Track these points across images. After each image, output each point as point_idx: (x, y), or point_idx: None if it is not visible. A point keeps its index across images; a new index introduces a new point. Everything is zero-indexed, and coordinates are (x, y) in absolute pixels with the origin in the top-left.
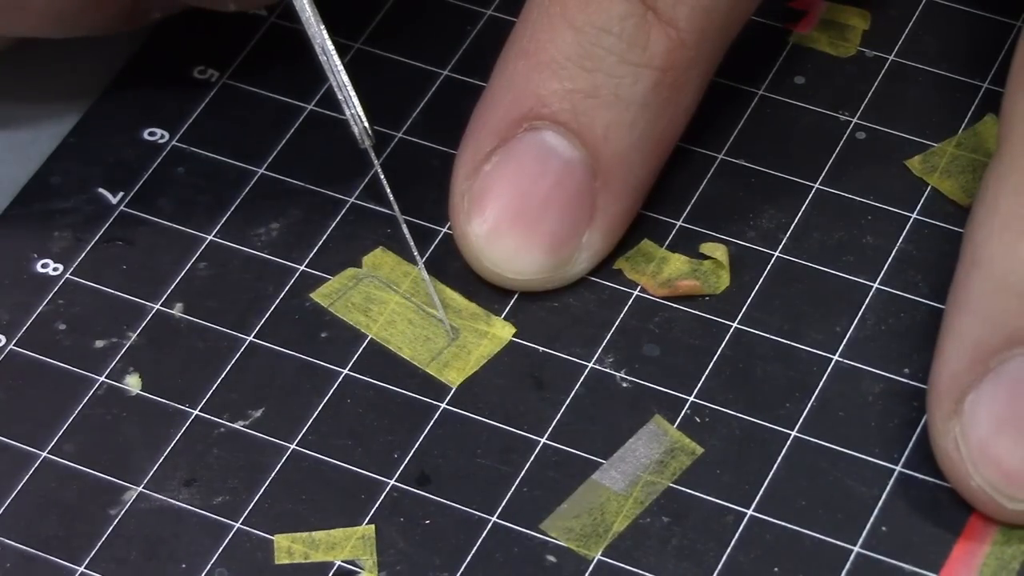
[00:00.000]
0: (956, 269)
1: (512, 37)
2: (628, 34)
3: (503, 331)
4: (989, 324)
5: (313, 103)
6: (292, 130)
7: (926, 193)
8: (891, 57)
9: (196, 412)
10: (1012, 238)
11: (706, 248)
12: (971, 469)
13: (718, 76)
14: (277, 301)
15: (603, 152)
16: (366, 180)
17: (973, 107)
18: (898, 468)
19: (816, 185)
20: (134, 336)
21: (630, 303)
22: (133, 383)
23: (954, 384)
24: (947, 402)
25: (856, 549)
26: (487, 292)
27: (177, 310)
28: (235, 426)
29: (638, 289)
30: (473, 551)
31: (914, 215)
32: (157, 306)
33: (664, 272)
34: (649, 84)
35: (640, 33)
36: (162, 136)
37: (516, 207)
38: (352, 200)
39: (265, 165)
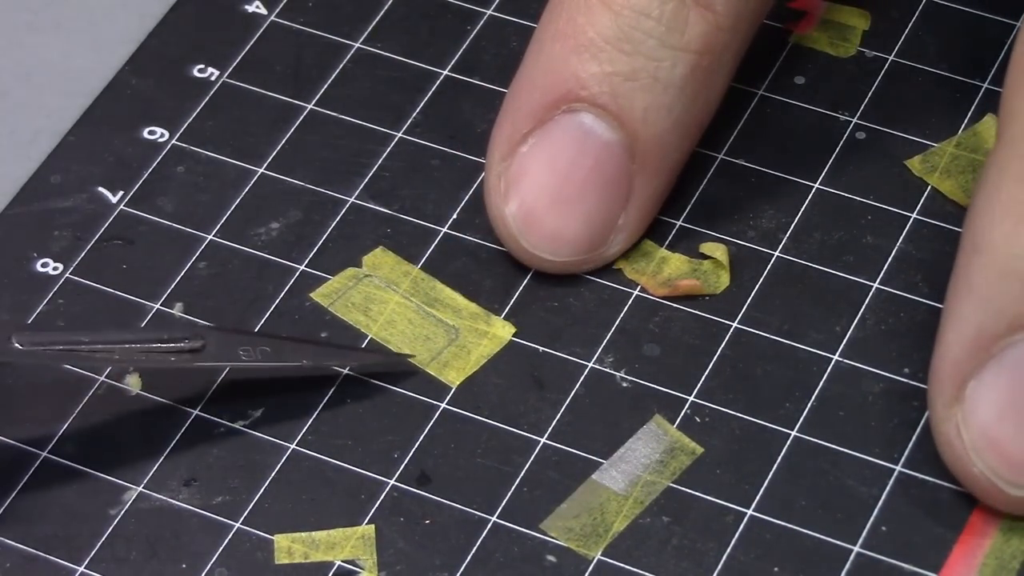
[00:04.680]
0: (956, 256)
1: (545, 19)
2: (667, 17)
3: (503, 331)
4: (991, 310)
5: (313, 103)
6: (292, 129)
7: (926, 193)
8: (891, 57)
9: (196, 412)
10: (1013, 225)
11: (706, 248)
12: (973, 456)
13: None
14: (277, 301)
15: (641, 134)
16: (366, 180)
17: (973, 107)
18: (898, 468)
19: (816, 185)
20: None
21: (630, 303)
22: (133, 383)
23: (956, 371)
24: (949, 389)
25: (856, 549)
26: (487, 292)
27: (177, 310)
28: (235, 426)
29: (638, 289)
30: (473, 551)
31: (914, 215)
32: (157, 306)
33: (664, 272)
34: (687, 67)
35: (679, 16)
36: (162, 135)
37: (554, 189)
38: (352, 200)
39: (265, 164)
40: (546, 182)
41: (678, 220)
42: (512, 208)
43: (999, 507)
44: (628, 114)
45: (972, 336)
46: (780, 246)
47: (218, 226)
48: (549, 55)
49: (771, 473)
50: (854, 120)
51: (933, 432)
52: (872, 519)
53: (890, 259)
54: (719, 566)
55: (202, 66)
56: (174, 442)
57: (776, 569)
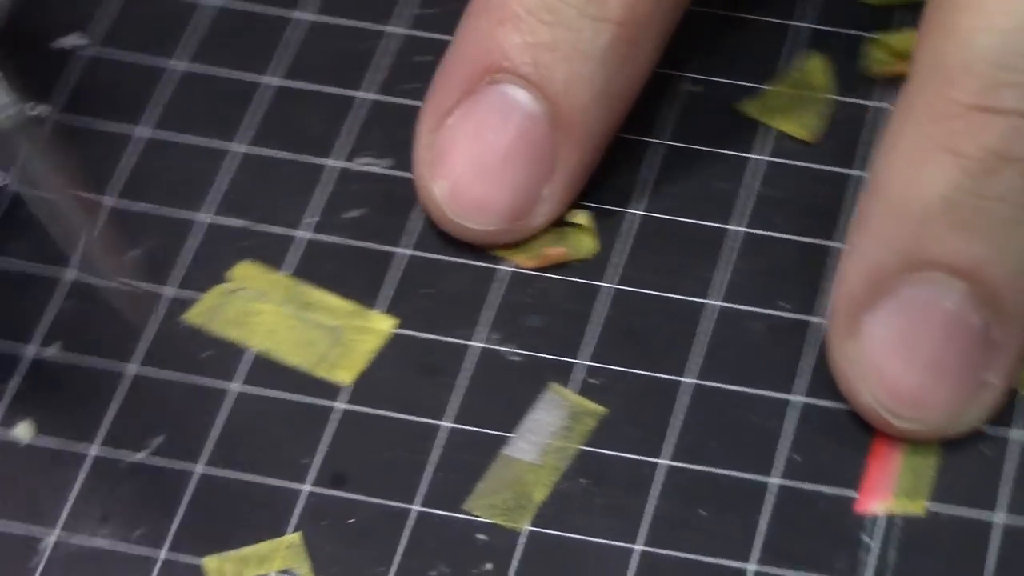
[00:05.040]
0: (860, 194)
1: None
2: None
3: (383, 324)
4: (887, 248)
5: (150, 128)
6: (134, 157)
7: (767, 134)
8: (717, 10)
9: (96, 449)
10: (912, 166)
11: (569, 216)
12: (863, 387)
13: None
14: (153, 328)
15: (563, 105)
16: (216, 196)
17: (795, 47)
18: (797, 398)
19: (663, 141)
20: (17, 384)
21: (504, 279)
22: (25, 431)
23: (852, 304)
24: (844, 321)
25: (774, 481)
26: (358, 289)
27: (55, 349)
28: (139, 457)
29: (509, 264)
30: (404, 542)
31: (760, 156)
32: (35, 349)
33: (531, 244)
34: (608, 38)
35: None
36: (4, 178)
37: (479, 160)
38: (206, 218)
39: (112, 195)
40: (471, 153)
41: None
42: (438, 179)
43: (884, 431)
44: (549, 85)
45: (868, 272)
46: (639, 204)
47: (76, 263)
48: (475, 27)
49: (676, 422)
50: (690, 75)
51: (828, 361)
52: (783, 450)
53: (746, 202)
54: (646, 517)
55: (32, 104)
56: (80, 483)
57: (703, 512)
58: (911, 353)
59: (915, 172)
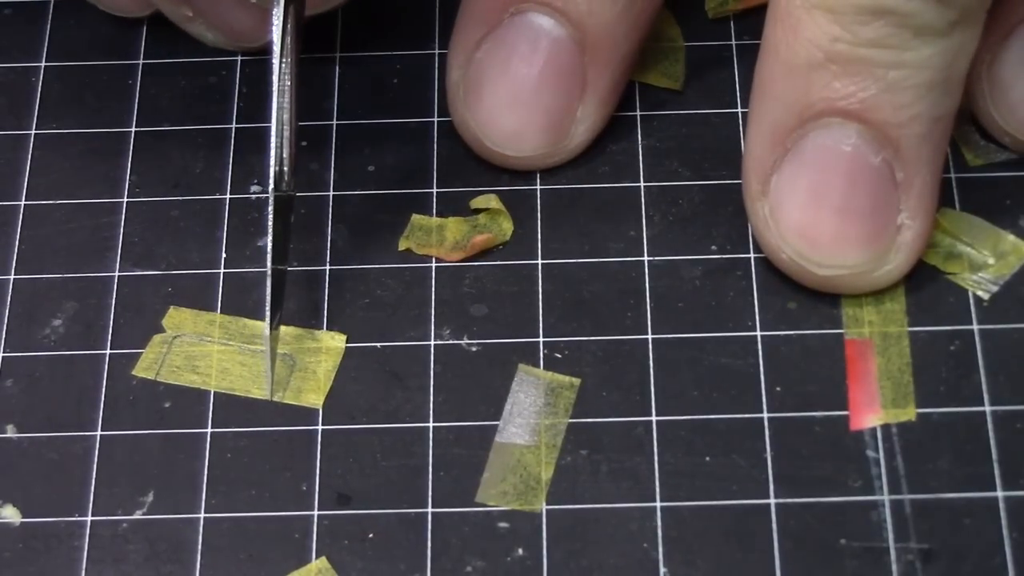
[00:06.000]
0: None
1: None
2: None
3: (335, 341)
4: (782, 106)
5: (23, 199)
6: (17, 230)
7: (638, 91)
8: None
9: (90, 519)
10: (792, 26)
11: (477, 202)
12: (781, 243)
13: None
14: (103, 390)
15: (588, 27)
16: (119, 251)
17: None
18: (759, 333)
19: None
20: None
21: (436, 276)
22: (11, 514)
23: (759, 166)
24: (754, 184)
25: (766, 415)
26: (296, 313)
27: (11, 432)
28: (136, 517)
29: (434, 261)
30: (429, 545)
31: (640, 112)
32: None
33: (448, 238)
34: None
35: None
36: None
37: (511, 89)
38: (117, 274)
39: (12, 270)
40: (502, 83)
41: (431, 188)
42: (473, 111)
43: (812, 286)
44: (574, 8)
45: (769, 132)
46: (540, 178)
47: (1, 341)
48: None
49: (651, 377)
50: None
51: (751, 226)
52: (763, 386)
53: (641, 158)
54: (656, 474)
55: None
56: (86, 553)
57: (708, 459)
58: (820, 200)
59: (796, 31)
